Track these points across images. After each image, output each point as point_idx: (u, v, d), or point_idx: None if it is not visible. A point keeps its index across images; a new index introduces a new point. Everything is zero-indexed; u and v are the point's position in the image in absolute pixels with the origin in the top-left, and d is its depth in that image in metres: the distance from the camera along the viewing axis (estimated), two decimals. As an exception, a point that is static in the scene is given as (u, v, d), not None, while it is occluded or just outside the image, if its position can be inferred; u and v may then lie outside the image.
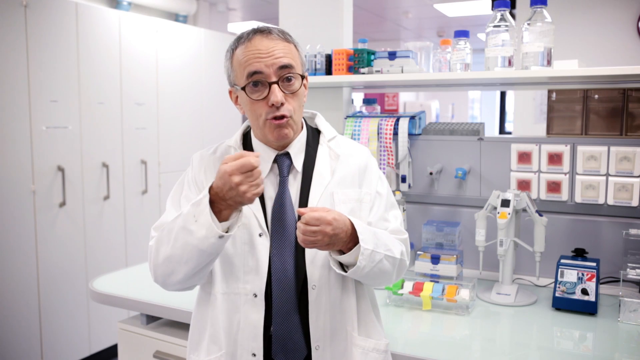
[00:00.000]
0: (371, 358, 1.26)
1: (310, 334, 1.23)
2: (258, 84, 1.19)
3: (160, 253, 1.18)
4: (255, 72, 1.18)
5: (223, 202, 1.10)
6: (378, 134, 2.15)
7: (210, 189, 1.11)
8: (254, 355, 1.21)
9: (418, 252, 1.99)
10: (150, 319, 1.89)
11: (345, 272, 1.19)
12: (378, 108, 2.49)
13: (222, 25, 5.60)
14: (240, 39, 1.23)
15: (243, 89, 1.21)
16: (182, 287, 1.23)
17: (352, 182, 1.29)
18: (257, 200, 1.23)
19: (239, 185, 1.06)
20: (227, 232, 1.12)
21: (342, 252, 1.19)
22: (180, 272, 1.17)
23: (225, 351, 1.23)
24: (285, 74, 1.20)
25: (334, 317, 1.24)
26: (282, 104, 1.19)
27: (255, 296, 1.21)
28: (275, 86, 1.18)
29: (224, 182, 1.07)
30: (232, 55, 1.24)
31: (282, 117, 1.20)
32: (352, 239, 1.17)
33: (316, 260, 1.22)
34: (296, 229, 1.14)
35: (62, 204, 3.16)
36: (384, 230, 1.28)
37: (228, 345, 1.23)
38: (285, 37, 1.23)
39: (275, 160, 1.27)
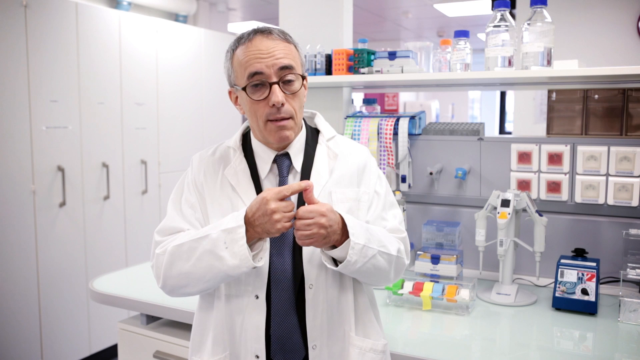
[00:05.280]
0: (368, 358, 1.25)
1: (307, 334, 1.23)
2: (259, 85, 1.19)
3: (175, 267, 1.19)
4: (256, 73, 1.18)
5: (251, 229, 1.13)
6: (378, 134, 2.15)
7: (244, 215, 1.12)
8: (257, 357, 1.21)
9: (418, 252, 1.99)
10: (150, 319, 1.89)
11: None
12: (378, 108, 2.49)
13: (222, 25, 5.60)
14: (241, 39, 1.23)
15: (244, 89, 1.21)
16: (188, 296, 1.25)
17: (350, 181, 1.29)
18: None
19: (273, 213, 1.09)
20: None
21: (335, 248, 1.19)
22: (196, 287, 1.20)
23: (230, 352, 1.24)
24: (285, 74, 1.20)
25: (331, 316, 1.24)
26: (282, 105, 1.19)
27: (257, 297, 1.21)
28: (276, 87, 1.19)
29: (258, 207, 1.10)
30: (233, 56, 1.24)
31: (283, 118, 1.20)
32: (344, 234, 1.17)
33: (313, 259, 1.22)
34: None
35: (62, 204, 3.16)
36: (381, 228, 1.27)
37: (232, 347, 1.24)
38: (285, 37, 1.23)
39: (275, 161, 1.27)
